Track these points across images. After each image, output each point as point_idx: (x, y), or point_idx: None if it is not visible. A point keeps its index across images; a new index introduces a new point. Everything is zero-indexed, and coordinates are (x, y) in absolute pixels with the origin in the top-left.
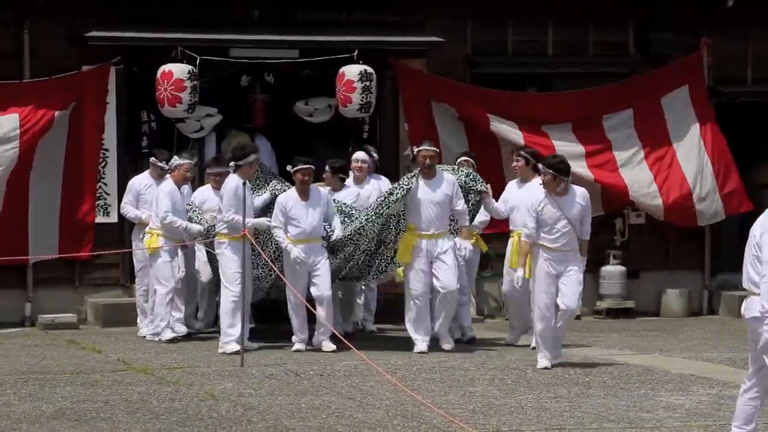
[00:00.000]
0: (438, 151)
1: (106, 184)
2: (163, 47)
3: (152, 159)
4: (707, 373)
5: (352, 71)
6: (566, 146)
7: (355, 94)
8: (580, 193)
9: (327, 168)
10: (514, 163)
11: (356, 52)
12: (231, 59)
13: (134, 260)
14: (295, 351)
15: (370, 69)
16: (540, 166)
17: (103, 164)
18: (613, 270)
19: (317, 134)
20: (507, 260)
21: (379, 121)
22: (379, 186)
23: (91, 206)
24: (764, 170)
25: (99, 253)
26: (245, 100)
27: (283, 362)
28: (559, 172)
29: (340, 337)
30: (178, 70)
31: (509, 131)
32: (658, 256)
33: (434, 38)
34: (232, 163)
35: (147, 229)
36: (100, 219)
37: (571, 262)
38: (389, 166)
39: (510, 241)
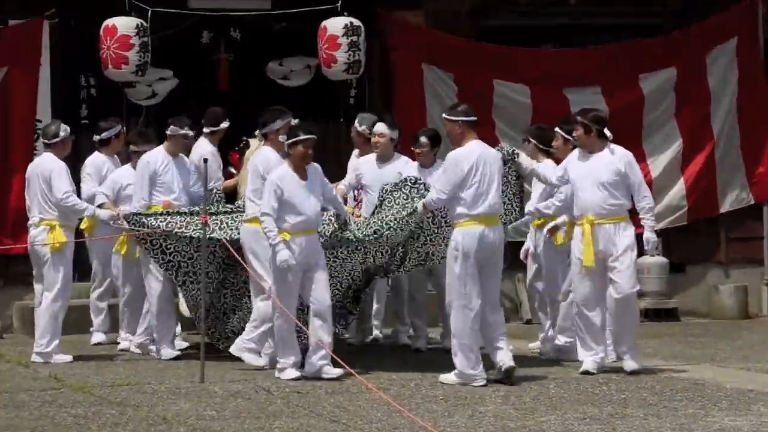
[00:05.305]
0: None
1: None
2: None
3: (172, 128)
4: None
5: (335, 25)
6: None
7: (340, 51)
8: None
9: (422, 139)
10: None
11: (339, 2)
12: (189, 11)
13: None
14: (292, 380)
15: (357, 21)
16: None
17: (36, 138)
18: (652, 262)
19: (293, 100)
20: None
21: (368, 83)
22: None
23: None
24: None
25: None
26: (207, 61)
27: (251, 377)
28: None
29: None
30: (124, 24)
31: (517, 99)
32: (707, 245)
33: None
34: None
35: None
36: None
37: None
38: None
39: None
